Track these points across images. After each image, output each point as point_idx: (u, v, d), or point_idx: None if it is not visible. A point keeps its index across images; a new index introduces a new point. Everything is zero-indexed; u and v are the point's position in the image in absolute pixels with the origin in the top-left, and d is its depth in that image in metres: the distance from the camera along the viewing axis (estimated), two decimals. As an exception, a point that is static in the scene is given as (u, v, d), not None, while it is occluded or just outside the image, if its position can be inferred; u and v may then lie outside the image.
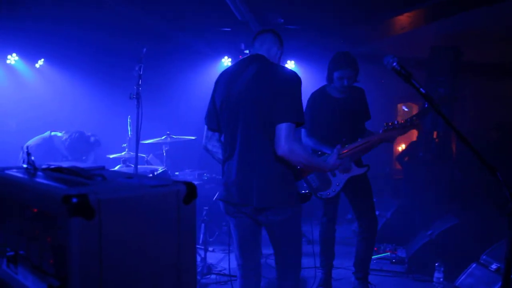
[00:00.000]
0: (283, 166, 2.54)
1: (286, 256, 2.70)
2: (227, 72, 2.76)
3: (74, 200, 1.03)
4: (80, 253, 1.04)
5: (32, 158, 1.57)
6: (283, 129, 2.43)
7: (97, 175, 1.28)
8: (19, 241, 1.37)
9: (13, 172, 1.52)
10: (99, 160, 5.57)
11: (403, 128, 3.44)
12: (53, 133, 5.21)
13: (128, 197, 1.11)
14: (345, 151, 3.35)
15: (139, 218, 1.13)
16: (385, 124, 3.44)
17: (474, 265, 3.63)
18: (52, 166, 1.48)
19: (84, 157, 5.27)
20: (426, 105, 3.91)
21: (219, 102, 2.70)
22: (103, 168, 1.59)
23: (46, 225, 1.20)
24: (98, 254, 1.06)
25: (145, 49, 3.83)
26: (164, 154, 5.62)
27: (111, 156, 5.27)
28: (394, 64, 2.35)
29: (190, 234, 1.21)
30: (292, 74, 2.58)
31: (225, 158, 2.70)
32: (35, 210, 1.27)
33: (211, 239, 5.31)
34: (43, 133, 5.18)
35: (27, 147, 1.60)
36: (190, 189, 1.21)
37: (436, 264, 4.14)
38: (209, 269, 4.50)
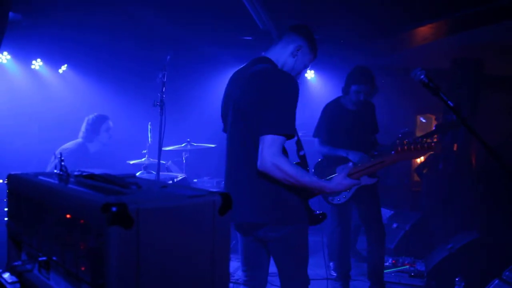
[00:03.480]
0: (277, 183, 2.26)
1: (287, 275, 2.44)
2: (233, 74, 2.59)
3: (114, 209, 1.04)
4: (118, 262, 1.05)
5: (63, 163, 1.58)
6: (265, 141, 2.15)
7: (132, 184, 1.29)
8: (52, 247, 1.39)
9: (47, 178, 1.53)
10: (118, 167, 5.57)
11: (419, 151, 2.87)
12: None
13: (166, 207, 1.12)
14: (357, 171, 2.77)
15: (176, 228, 1.14)
16: (397, 142, 2.87)
17: (496, 281, 3.56)
18: (85, 173, 1.49)
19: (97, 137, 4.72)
20: (449, 118, 3.86)
21: (221, 105, 2.58)
22: (134, 176, 1.60)
23: (80, 231, 1.21)
24: (136, 263, 1.06)
25: (169, 57, 3.87)
26: (184, 161, 5.65)
27: (131, 162, 5.31)
28: (422, 76, 2.36)
29: (224, 245, 1.21)
30: (284, 80, 2.26)
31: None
32: (68, 216, 1.29)
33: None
34: (77, 139, 4.78)
35: (60, 153, 1.61)
36: (226, 200, 1.21)
37: (457, 279, 4.07)
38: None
